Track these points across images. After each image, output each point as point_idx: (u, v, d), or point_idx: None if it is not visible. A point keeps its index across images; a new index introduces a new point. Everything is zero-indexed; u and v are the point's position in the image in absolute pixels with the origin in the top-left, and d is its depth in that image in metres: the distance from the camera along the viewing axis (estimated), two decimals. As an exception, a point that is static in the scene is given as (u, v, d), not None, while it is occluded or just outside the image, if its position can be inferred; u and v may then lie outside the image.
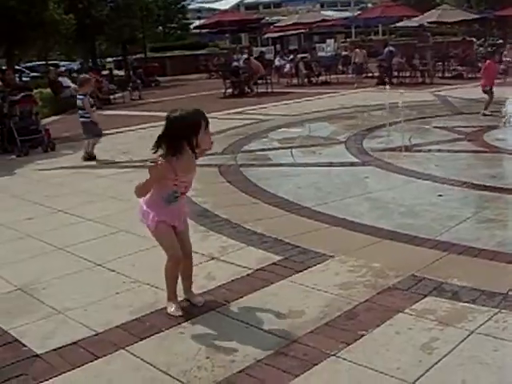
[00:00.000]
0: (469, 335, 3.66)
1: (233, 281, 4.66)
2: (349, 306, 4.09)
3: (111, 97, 22.74)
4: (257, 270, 4.85)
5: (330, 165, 8.70)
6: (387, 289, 4.35)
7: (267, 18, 44.40)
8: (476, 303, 4.08)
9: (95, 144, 10.41)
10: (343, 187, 7.47)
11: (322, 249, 5.16)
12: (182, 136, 3.85)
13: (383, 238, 5.47)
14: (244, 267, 4.90)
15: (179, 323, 3.99)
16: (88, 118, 10.15)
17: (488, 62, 14.14)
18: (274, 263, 4.96)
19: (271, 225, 5.98)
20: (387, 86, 16.61)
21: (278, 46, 41.23)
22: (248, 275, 4.76)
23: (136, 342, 3.77)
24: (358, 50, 25.75)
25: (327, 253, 5.10)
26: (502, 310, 3.96)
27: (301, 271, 4.77)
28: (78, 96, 10.34)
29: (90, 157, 10.28)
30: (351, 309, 4.06)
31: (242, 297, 4.35)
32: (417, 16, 30.01)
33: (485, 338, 3.63)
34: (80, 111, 10.23)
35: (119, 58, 41.08)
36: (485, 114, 12.83)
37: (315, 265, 4.88)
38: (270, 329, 3.85)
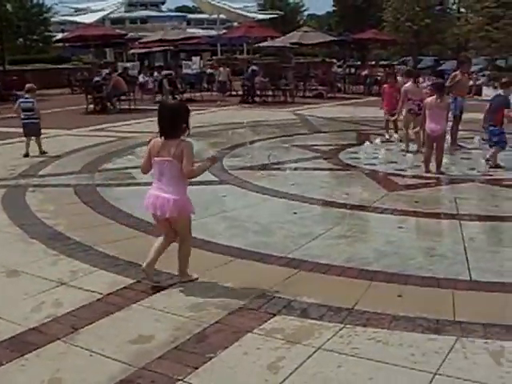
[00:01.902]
0: (314, 352, 3.75)
1: (82, 307, 4.49)
2: (199, 329, 4.07)
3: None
4: (108, 294, 4.71)
5: (189, 184, 8.63)
6: (238, 309, 4.37)
7: (132, 34, 43.94)
8: (323, 319, 4.20)
9: None
10: (201, 206, 7.38)
11: (176, 270, 5.10)
12: (187, 119, 4.68)
13: (237, 256, 5.52)
14: (95, 292, 4.75)
15: (22, 355, 3.77)
16: None
17: (384, 85, 13.75)
18: (126, 287, 4.85)
19: (125, 247, 5.86)
20: (250, 105, 16.90)
21: (146, 62, 40.87)
22: (98, 300, 4.62)
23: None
24: (221, 68, 26.03)
25: (181, 274, 5.05)
26: (347, 325, 4.11)
27: (153, 294, 4.69)
28: None
29: None
30: (201, 331, 4.04)
31: (90, 323, 4.21)
32: (279, 37, 30.90)
33: (330, 354, 3.74)
34: None
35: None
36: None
37: (168, 287, 4.82)
38: (117, 356, 3.74)
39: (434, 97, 9.32)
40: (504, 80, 10.54)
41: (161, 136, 4.67)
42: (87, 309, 4.47)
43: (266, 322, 4.15)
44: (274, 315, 4.25)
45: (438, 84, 9.76)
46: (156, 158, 4.67)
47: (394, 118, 12.21)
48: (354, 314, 4.28)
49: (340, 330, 4.04)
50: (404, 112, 11.35)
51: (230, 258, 5.48)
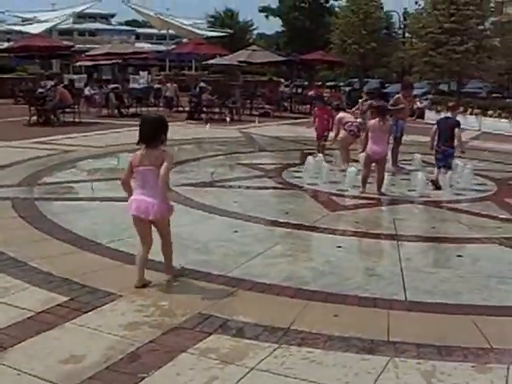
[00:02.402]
0: (248, 372, 3.74)
1: (13, 325, 4.36)
2: (132, 348, 4.00)
3: None
4: (40, 312, 4.58)
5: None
6: (173, 328, 4.32)
7: (80, 46, 43.47)
8: (258, 339, 4.19)
9: None
10: (142, 223, 7.37)
11: (112, 288, 5.03)
12: (166, 131, 5.26)
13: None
14: (26, 309, 4.61)
15: None
16: None
17: (316, 108, 13.65)
18: (60, 304, 4.73)
19: (61, 263, 5.72)
20: (197, 122, 16.87)
21: (95, 75, 40.41)
22: (30, 318, 4.48)
23: None
24: (169, 83, 25.95)
25: (116, 292, 4.97)
26: (282, 345, 4.11)
27: (87, 312, 4.59)
28: None
29: None
30: (134, 350, 3.97)
31: (20, 342, 4.08)
32: (228, 55, 31.09)
33: (263, 374, 3.73)
34: None
35: None
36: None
37: (102, 305, 4.73)
38: (47, 376, 3.64)
39: (377, 119, 9.50)
40: (451, 104, 11.00)
41: (141, 144, 5.20)
42: (18, 327, 4.33)
43: (200, 341, 4.12)
44: (210, 334, 4.22)
45: (381, 107, 9.95)
46: (139, 168, 5.12)
47: (329, 144, 12.29)
48: (289, 334, 4.28)
49: (275, 350, 4.03)
50: (342, 133, 11.52)
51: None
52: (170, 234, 5.43)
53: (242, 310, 4.69)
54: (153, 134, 5.14)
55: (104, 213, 7.94)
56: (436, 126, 10.44)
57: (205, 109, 23.35)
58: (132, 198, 5.19)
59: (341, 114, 11.98)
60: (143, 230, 5.26)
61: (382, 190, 9.46)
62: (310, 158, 10.76)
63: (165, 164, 5.00)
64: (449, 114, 10.80)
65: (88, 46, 45.76)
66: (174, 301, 4.83)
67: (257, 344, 4.12)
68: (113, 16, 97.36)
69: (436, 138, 10.31)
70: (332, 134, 11.97)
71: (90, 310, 4.62)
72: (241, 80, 27.80)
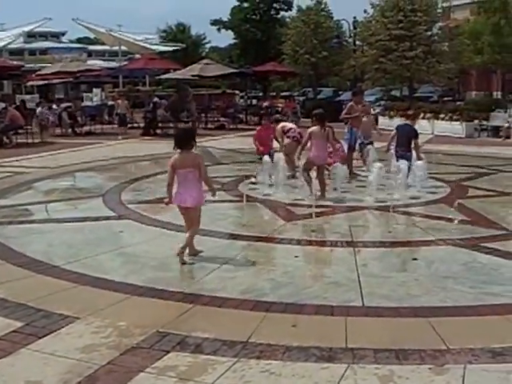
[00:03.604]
0: (207, 388, 3.72)
1: (-34, 353, 4.27)
2: (90, 371, 3.95)
3: None
4: (-6, 339, 4.50)
5: (86, 219, 8.48)
6: (131, 348, 4.28)
7: (31, 65, 42.86)
8: (217, 354, 4.19)
9: None
10: (96, 243, 7.29)
11: (68, 310, 4.96)
12: (195, 137, 6.77)
13: (132, 294, 5.42)
14: (-20, 337, 4.52)
15: None
16: None
17: (258, 128, 13.11)
18: (14, 330, 4.64)
19: (15, 288, 5.62)
20: (152, 137, 16.77)
21: (49, 94, 39.89)
22: (-17, 346, 4.40)
23: None
24: (119, 100, 25.80)
25: (73, 314, 4.90)
26: (241, 359, 4.11)
27: (43, 337, 4.51)
28: None
29: None
30: (92, 373, 3.93)
31: (-27, 371, 4.00)
32: (180, 69, 31.02)
33: (223, 390, 3.71)
34: None
35: None
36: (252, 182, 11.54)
37: (59, 328, 4.66)
38: (1, 405, 3.58)
39: (318, 126, 9.72)
40: (410, 112, 11.39)
41: (177, 148, 6.51)
42: (-29, 356, 4.25)
43: (159, 360, 4.09)
44: (168, 352, 4.20)
45: (320, 114, 10.13)
46: (180, 170, 6.45)
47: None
48: (247, 347, 4.29)
49: (233, 364, 4.03)
50: (286, 141, 11.62)
51: (125, 296, 5.37)
52: (199, 222, 6.66)
53: (200, 325, 4.67)
54: (186, 141, 6.51)
55: (60, 234, 7.81)
56: (395, 131, 10.93)
57: (160, 124, 23.29)
58: (176, 191, 6.51)
59: (281, 124, 12.17)
60: (184, 216, 6.65)
61: (339, 197, 9.58)
62: (265, 168, 10.82)
63: (202, 169, 6.48)
64: (408, 122, 11.41)
65: (39, 65, 45.13)
66: (132, 320, 4.78)
67: (215, 359, 4.11)
68: (64, 34, 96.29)
69: (394, 142, 10.82)
70: (277, 145, 12.08)
71: (47, 335, 4.55)
72: (191, 94, 27.52)
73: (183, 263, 6.33)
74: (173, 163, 6.52)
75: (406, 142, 10.60)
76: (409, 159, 10.41)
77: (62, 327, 4.69)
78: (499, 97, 34.34)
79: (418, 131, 11.15)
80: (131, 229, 8.01)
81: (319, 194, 9.78)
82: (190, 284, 5.69)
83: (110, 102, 30.04)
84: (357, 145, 12.24)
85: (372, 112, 22.89)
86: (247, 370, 3.95)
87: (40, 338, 4.51)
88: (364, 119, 12.43)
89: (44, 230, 8.09)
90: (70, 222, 8.41)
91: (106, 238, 7.56)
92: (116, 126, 25.33)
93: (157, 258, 6.58)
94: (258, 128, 13.12)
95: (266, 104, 29.01)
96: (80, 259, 6.53)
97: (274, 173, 10.69)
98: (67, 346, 4.36)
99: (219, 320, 4.87)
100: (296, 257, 6.70)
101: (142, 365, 4.01)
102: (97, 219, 8.49)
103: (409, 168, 10.26)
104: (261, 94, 38.32)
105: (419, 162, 10.75)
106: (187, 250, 6.50)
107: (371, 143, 12.60)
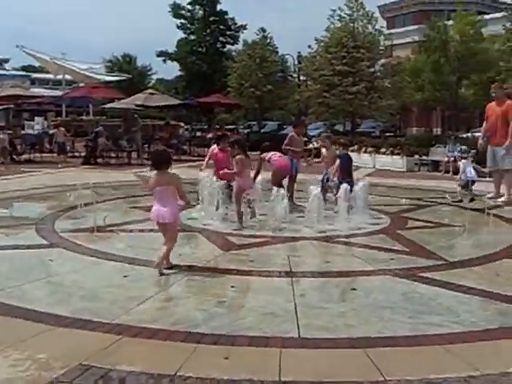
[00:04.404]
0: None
1: None
2: (1, 408, 3.66)
3: None
4: None
5: (16, 248, 8.13)
6: (50, 382, 4.00)
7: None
8: (142, 389, 3.94)
9: None
10: (25, 271, 6.95)
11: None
12: (171, 158, 7.69)
13: (57, 325, 5.11)
14: None
15: None
16: None
17: (214, 151, 11.81)
18: None
19: None
20: (93, 166, 16.47)
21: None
22: None
23: None
24: (57, 129, 25.48)
25: (-12, 347, 4.59)
26: (168, 394, 3.87)
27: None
28: None
29: None
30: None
31: None
32: (125, 98, 30.78)
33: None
34: None
35: None
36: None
37: (-28, 364, 4.33)
38: None
39: (242, 155, 9.87)
40: (343, 141, 13.92)
41: (155, 169, 7.11)
42: None
43: (78, 395, 3.83)
44: (89, 387, 3.94)
45: (240, 142, 10.44)
46: (158, 188, 7.00)
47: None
48: (175, 381, 4.06)
49: (158, 399, 3.80)
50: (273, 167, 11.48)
51: (49, 327, 5.07)
52: (175, 239, 7.24)
53: (126, 358, 4.42)
54: (163, 161, 7.13)
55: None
56: (339, 161, 11.69)
57: (102, 153, 22.93)
58: (153, 208, 7.09)
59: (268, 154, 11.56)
60: (161, 231, 7.20)
61: (278, 226, 9.52)
62: (205, 197, 10.66)
63: (178, 187, 7.10)
64: (345, 151, 12.36)
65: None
66: (53, 353, 4.49)
67: (139, 393, 3.88)
68: (7, 61, 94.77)
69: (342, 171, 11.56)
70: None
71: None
72: (139, 124, 27.31)
73: (162, 274, 6.83)
74: (150, 182, 7.19)
75: (349, 170, 11.78)
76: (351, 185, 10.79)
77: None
78: (439, 133, 35.35)
79: (360, 164, 11.61)
80: (63, 257, 7.68)
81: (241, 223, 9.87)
82: (119, 315, 5.41)
83: (52, 131, 29.47)
84: (297, 174, 12.26)
85: (315, 145, 23.19)
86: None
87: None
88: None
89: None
90: (-3, 250, 8.03)
91: (36, 267, 7.22)
92: (55, 154, 24.86)
93: (86, 288, 6.28)
94: (215, 149, 11.72)
95: (209, 136, 28.98)
96: (4, 289, 6.18)
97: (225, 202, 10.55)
98: (-20, 382, 4.05)
99: (148, 352, 4.63)
100: (232, 287, 6.51)
101: (59, 401, 3.75)
102: (28, 247, 8.14)
103: (351, 190, 10.47)
104: (206, 127, 38.27)
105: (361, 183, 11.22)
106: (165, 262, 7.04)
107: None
